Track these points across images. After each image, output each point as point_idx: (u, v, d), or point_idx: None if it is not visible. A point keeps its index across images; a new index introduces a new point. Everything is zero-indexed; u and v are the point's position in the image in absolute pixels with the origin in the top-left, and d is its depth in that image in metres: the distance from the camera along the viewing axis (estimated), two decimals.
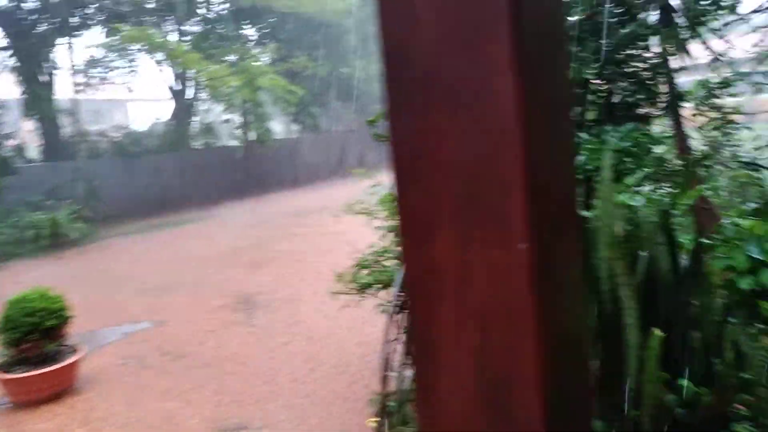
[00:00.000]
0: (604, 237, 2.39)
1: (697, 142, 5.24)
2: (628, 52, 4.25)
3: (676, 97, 4.83)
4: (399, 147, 1.03)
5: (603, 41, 3.82)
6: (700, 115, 5.22)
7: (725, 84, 5.37)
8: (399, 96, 1.03)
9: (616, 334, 2.36)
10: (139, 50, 19.18)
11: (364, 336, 6.07)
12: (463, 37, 0.96)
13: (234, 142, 21.31)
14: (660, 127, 4.83)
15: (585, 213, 2.69)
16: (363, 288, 4.10)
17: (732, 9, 4.49)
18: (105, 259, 12.19)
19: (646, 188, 3.16)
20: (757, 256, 4.09)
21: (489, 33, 0.90)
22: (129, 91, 22.38)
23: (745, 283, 4.06)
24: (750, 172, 5.01)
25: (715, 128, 5.16)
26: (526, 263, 0.86)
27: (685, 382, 2.31)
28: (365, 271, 4.38)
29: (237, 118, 20.71)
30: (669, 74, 4.67)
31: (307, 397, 5.03)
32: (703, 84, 5.20)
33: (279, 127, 23.68)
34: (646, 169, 3.30)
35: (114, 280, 10.13)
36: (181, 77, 20.43)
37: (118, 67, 21.20)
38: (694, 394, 2.35)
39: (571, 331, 1.06)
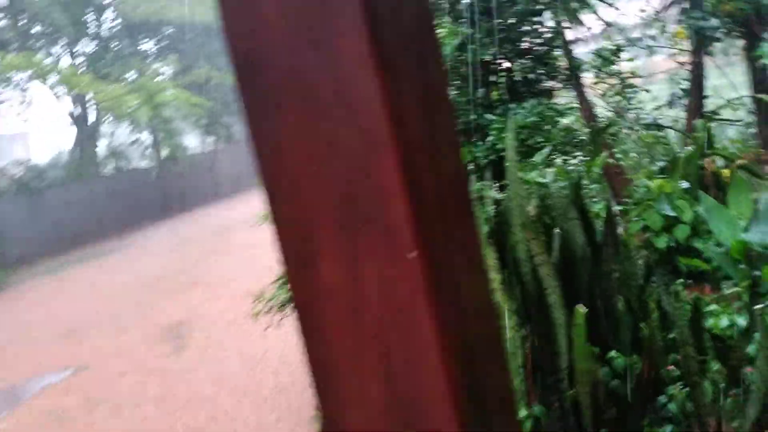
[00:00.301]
0: (517, 218, 2.34)
1: (601, 110, 5.38)
2: (523, 29, 4.27)
3: (575, 68, 4.92)
4: (266, 160, 0.90)
5: (495, 21, 3.81)
6: (601, 82, 5.35)
7: (619, 50, 5.53)
8: (256, 104, 0.89)
9: (543, 314, 2.33)
10: (30, 78, 17.99)
11: (292, 356, 5.90)
12: (313, 33, 0.83)
13: (146, 163, 20.41)
14: (565, 98, 4.92)
15: (497, 195, 2.65)
16: (283, 305, 3.93)
17: None
18: (18, 306, 11.36)
19: (558, 161, 3.18)
20: (670, 213, 4.22)
21: (340, 25, 0.78)
22: (25, 123, 21.00)
23: (661, 242, 4.18)
24: (654, 133, 5.19)
25: (617, 94, 5.30)
26: (417, 273, 0.75)
27: (614, 354, 2.30)
28: (284, 287, 4.21)
29: (146, 138, 19.85)
30: (566, 47, 4.74)
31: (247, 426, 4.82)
32: (599, 53, 5.33)
33: (192, 141, 22.92)
34: (554, 142, 3.31)
35: (30, 326, 9.45)
36: (80, 101, 19.35)
37: (7, 99, 19.82)
38: (626, 364, 2.34)
39: (481, 332, 0.96)
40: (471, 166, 3.18)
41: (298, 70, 0.83)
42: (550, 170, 2.93)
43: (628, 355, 2.42)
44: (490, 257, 2.21)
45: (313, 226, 0.89)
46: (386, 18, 0.79)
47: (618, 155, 5.33)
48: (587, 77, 5.06)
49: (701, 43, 5.82)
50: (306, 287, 0.92)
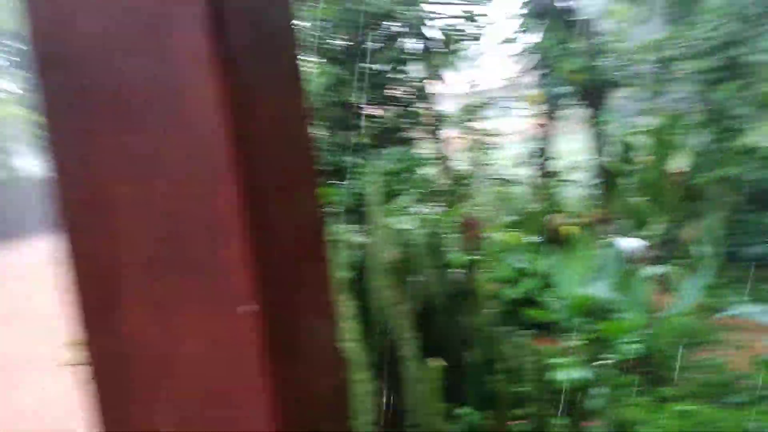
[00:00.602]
0: (376, 264, 2.24)
1: (461, 163, 5.58)
2: (392, 76, 4.32)
3: (438, 120, 5.07)
4: (66, 175, 0.70)
5: (366, 65, 3.82)
6: (462, 138, 5.57)
7: (480, 108, 5.82)
8: (58, 107, 0.70)
9: (398, 367, 2.22)
10: None
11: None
12: (138, 27, 0.65)
13: None
14: (427, 150, 5.03)
15: (359, 240, 2.55)
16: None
17: (476, 39, 4.84)
18: None
19: (417, 209, 3.17)
20: (520, 266, 4.39)
21: (176, 19, 0.62)
22: None
23: (511, 293, 4.33)
24: (507, 188, 5.47)
25: (476, 150, 5.53)
26: (253, 332, 0.59)
27: (462, 410, 2.24)
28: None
29: None
30: (430, 100, 4.88)
31: None
32: (462, 109, 5.57)
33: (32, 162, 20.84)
34: (414, 191, 3.32)
35: None
36: None
37: None
38: (475, 419, 2.29)
39: (325, 392, 0.81)
40: (333, 209, 3.07)
41: (118, 72, 0.65)
42: (411, 217, 2.90)
43: (478, 409, 2.38)
44: (348, 305, 2.08)
45: (120, 263, 0.68)
46: (236, 24, 0.64)
47: (474, 207, 5.55)
48: (449, 132, 5.24)
49: (553, 108, 6.32)
50: (102, 341, 0.71)
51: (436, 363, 2.07)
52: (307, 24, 4.32)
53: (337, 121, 3.96)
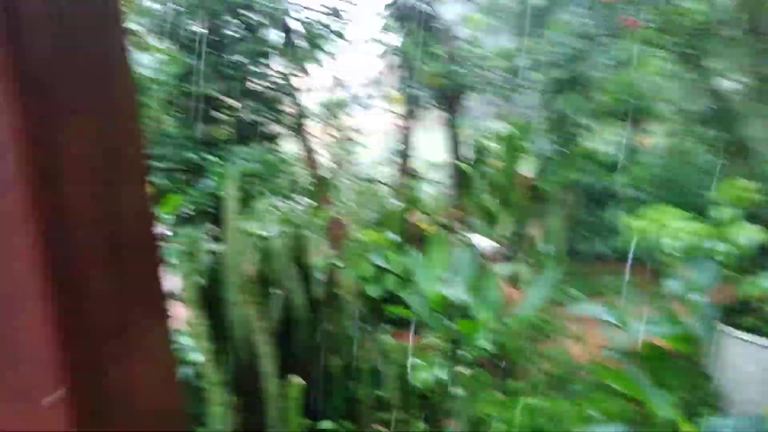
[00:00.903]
0: (233, 277, 2.10)
1: (325, 161, 5.51)
2: (252, 69, 4.13)
3: (302, 116, 4.96)
4: None
5: (223, 55, 3.60)
6: (326, 134, 5.50)
7: (342, 104, 5.79)
8: None
9: (256, 385, 2.11)
10: None
11: None
12: None
13: None
14: (290, 145, 4.90)
15: (213, 247, 2.38)
16: None
17: (340, 35, 4.79)
18: None
19: (279, 212, 3.05)
20: (381, 264, 4.43)
21: None
22: None
23: (372, 291, 4.35)
24: (369, 187, 5.50)
25: (339, 147, 5.50)
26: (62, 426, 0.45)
27: (325, 424, 2.19)
28: None
29: None
30: (293, 94, 4.75)
31: None
32: (325, 104, 5.50)
33: None
34: (276, 191, 3.19)
35: None
36: None
37: None
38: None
39: None
40: (185, 212, 2.85)
41: None
42: (272, 220, 2.78)
43: (341, 419, 2.34)
44: (200, 323, 1.93)
45: None
46: (38, 24, 0.51)
47: (338, 206, 5.52)
48: (313, 127, 5.15)
49: (413, 109, 6.46)
50: None
51: (296, 380, 1.99)
52: (159, 7, 3.99)
53: (192, 114, 3.70)
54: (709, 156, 5.11)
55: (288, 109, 4.57)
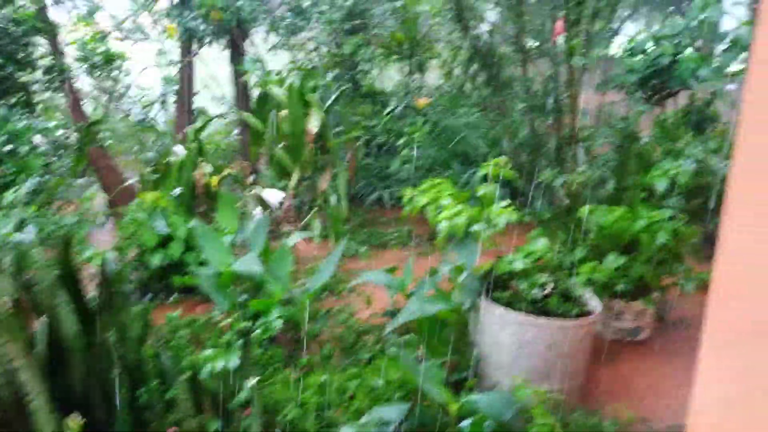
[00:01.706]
0: None
1: (91, 106, 4.88)
2: None
3: (59, 59, 4.28)
4: None
5: None
6: (89, 75, 4.84)
7: (105, 37, 5.11)
8: None
9: (27, 424, 1.90)
10: None
11: None
12: None
13: None
14: (47, 95, 4.23)
15: None
16: None
17: None
18: None
19: (34, 201, 2.62)
20: (165, 231, 4.17)
21: None
22: None
23: (156, 260, 4.11)
24: (146, 137, 5.04)
25: (106, 91, 4.89)
26: None
27: None
28: None
29: None
30: (51, 32, 4.03)
31: None
32: (85, 41, 4.79)
33: None
34: (34, 174, 2.72)
35: None
36: None
37: None
38: None
39: None
40: None
41: None
42: (29, 215, 2.42)
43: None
44: None
45: None
46: None
47: (111, 151, 4.97)
48: (74, 70, 4.47)
49: (190, 42, 5.93)
50: None
51: (74, 421, 1.84)
52: None
53: None
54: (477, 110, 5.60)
55: (39, 55, 3.90)
